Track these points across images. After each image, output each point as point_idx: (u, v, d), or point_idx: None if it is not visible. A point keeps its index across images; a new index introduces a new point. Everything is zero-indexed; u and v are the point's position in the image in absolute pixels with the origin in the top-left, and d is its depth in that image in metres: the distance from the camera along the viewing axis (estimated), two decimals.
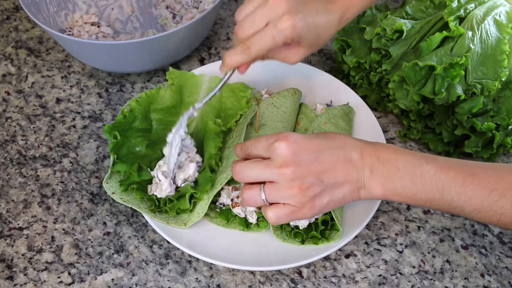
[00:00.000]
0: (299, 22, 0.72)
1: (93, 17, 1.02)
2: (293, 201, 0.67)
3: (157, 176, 0.78)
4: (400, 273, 0.77)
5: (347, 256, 0.79)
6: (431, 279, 0.77)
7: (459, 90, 0.82)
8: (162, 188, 0.77)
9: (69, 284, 0.76)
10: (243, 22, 0.74)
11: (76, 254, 0.79)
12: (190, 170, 0.78)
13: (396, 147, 0.69)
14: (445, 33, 0.83)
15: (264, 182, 0.68)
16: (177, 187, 0.78)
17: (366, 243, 0.80)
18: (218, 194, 0.79)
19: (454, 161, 0.67)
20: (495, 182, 0.65)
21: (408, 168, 0.67)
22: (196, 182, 0.79)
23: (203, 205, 0.77)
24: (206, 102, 0.79)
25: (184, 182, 0.78)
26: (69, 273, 0.77)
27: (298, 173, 0.66)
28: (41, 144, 0.91)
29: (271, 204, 0.69)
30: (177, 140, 0.78)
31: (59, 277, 0.76)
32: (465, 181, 0.65)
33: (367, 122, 0.89)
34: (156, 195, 0.78)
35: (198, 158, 0.80)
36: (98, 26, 1.01)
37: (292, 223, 0.77)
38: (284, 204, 0.68)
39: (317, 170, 0.66)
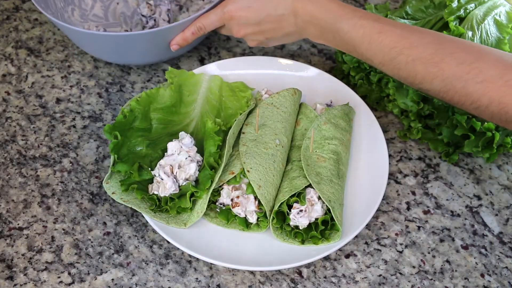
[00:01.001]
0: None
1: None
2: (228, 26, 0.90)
3: (159, 175, 0.78)
4: (400, 273, 0.77)
5: (347, 256, 0.79)
6: (431, 279, 0.77)
7: None
8: (165, 186, 0.77)
9: (69, 284, 0.76)
10: None
11: (76, 254, 0.79)
12: (191, 170, 0.78)
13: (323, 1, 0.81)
14: (445, 33, 0.83)
15: None
16: (178, 186, 0.78)
17: (366, 243, 0.80)
18: (218, 194, 0.79)
19: (369, 17, 0.78)
20: (397, 41, 0.74)
21: (328, 27, 0.80)
22: (197, 181, 0.79)
23: (201, 204, 0.77)
24: None
25: (185, 181, 0.78)
26: (69, 273, 0.77)
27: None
28: (41, 144, 0.91)
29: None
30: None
31: (59, 277, 0.76)
32: (371, 38, 0.76)
33: (367, 122, 0.89)
34: (157, 194, 0.78)
35: (198, 157, 0.80)
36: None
37: (292, 223, 0.77)
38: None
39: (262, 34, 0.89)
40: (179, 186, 0.78)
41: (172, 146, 0.80)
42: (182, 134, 0.81)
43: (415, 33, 0.75)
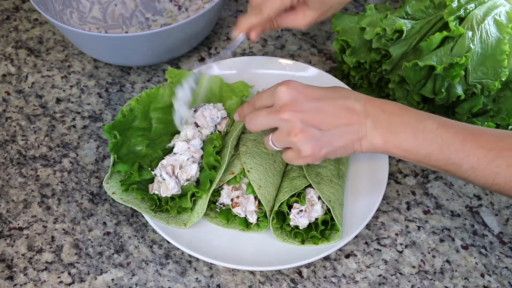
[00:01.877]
0: None
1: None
2: (294, 147, 0.69)
3: (160, 175, 0.78)
4: (400, 273, 0.77)
5: (347, 256, 0.79)
6: (431, 279, 0.77)
7: (459, 90, 0.82)
8: (167, 187, 0.77)
9: (69, 284, 0.76)
10: None
11: (76, 254, 0.79)
12: (193, 171, 0.78)
13: (401, 104, 0.71)
14: (445, 33, 0.83)
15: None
16: (180, 186, 0.78)
17: (366, 243, 0.80)
18: (218, 194, 0.79)
19: (456, 122, 0.70)
20: (493, 142, 0.66)
21: (411, 122, 0.68)
22: (197, 181, 0.79)
23: (202, 204, 0.77)
24: (216, 60, 0.85)
25: (186, 182, 0.78)
26: (69, 273, 0.77)
27: (296, 117, 0.68)
28: (41, 144, 0.91)
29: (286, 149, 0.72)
30: (186, 90, 0.82)
31: (59, 277, 0.76)
32: (464, 138, 0.67)
33: None
34: (157, 194, 0.78)
35: (201, 159, 0.81)
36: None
37: (292, 223, 0.77)
38: (291, 148, 0.71)
39: (316, 118, 0.68)
40: (180, 186, 0.78)
41: (180, 146, 0.80)
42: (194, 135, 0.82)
43: (510, 135, 0.68)
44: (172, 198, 0.78)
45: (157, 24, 1.03)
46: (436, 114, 0.85)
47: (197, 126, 0.83)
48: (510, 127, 0.83)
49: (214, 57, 0.87)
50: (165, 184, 0.77)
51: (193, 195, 0.77)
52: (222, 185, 0.79)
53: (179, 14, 1.04)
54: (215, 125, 0.85)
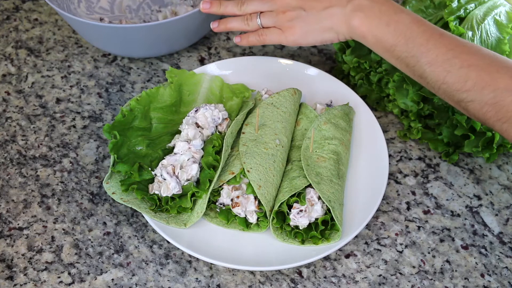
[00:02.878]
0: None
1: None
2: (278, 24, 0.84)
3: (161, 175, 0.78)
4: (400, 273, 0.77)
5: (347, 256, 0.79)
6: (431, 279, 0.77)
7: None
8: (168, 187, 0.77)
9: (69, 284, 0.76)
10: None
11: (76, 254, 0.79)
12: (193, 171, 0.78)
13: None
14: None
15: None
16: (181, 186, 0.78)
17: (366, 243, 0.80)
18: (218, 194, 0.79)
19: (431, 24, 0.76)
20: (456, 45, 0.72)
21: (389, 11, 0.77)
22: (198, 181, 0.79)
23: (201, 204, 0.77)
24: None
25: (186, 182, 0.78)
26: (69, 273, 0.77)
27: (287, 1, 0.83)
28: (41, 144, 0.91)
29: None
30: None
31: (59, 277, 0.76)
32: (431, 36, 0.74)
33: (367, 122, 0.89)
34: (158, 194, 0.78)
35: (201, 159, 0.81)
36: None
37: (292, 223, 0.77)
38: (274, 27, 0.85)
39: (302, 1, 0.82)
40: (181, 186, 0.78)
41: (180, 146, 0.80)
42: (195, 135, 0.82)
43: (473, 45, 0.74)
44: (172, 198, 0.78)
45: (164, 17, 1.05)
46: (436, 114, 0.86)
47: (198, 126, 0.83)
48: None
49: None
50: (166, 184, 0.77)
51: (193, 195, 0.77)
52: (222, 185, 0.79)
53: (185, 6, 1.05)
54: (216, 126, 0.85)
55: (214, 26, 0.90)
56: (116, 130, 0.81)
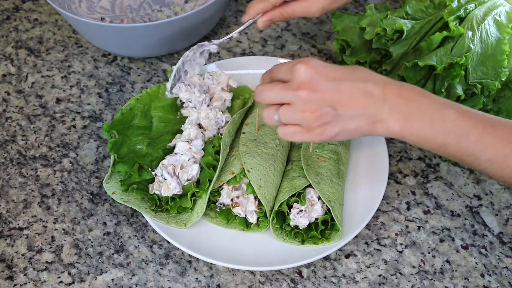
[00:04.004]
0: None
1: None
2: (304, 124, 0.68)
3: (162, 175, 0.78)
4: (400, 273, 0.77)
5: (347, 256, 0.79)
6: (431, 279, 0.77)
7: (459, 90, 0.82)
8: (169, 187, 0.77)
9: (69, 284, 0.76)
10: None
11: (76, 254, 0.79)
12: (194, 171, 0.78)
13: (420, 89, 0.69)
14: (445, 33, 0.83)
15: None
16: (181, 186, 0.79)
17: (366, 243, 0.80)
18: (218, 194, 0.79)
19: (476, 111, 0.68)
20: None
21: (430, 109, 0.66)
22: (198, 181, 0.80)
23: (201, 204, 0.77)
24: (223, 41, 0.87)
25: (186, 182, 0.78)
26: (69, 273, 0.77)
27: (313, 97, 0.66)
28: (41, 144, 0.91)
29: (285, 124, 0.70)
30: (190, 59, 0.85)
31: (59, 277, 0.76)
32: (484, 130, 0.65)
33: None
34: (158, 194, 0.78)
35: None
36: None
37: (292, 223, 0.77)
38: (294, 125, 0.69)
39: (333, 98, 0.66)
40: (181, 186, 0.78)
41: (181, 146, 0.80)
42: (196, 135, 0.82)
43: None
44: (173, 198, 0.78)
45: (163, 16, 1.05)
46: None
47: (201, 127, 0.84)
48: None
49: (218, 39, 0.93)
50: (166, 184, 0.77)
51: (193, 195, 0.77)
52: (222, 185, 0.79)
53: (185, 7, 1.05)
54: (218, 128, 0.85)
55: None
56: (116, 129, 0.81)
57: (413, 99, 0.67)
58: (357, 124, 0.68)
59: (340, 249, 0.79)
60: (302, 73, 0.67)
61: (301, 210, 0.76)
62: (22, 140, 0.91)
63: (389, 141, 0.91)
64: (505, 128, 0.66)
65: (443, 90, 0.81)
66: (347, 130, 0.68)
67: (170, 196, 0.77)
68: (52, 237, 0.80)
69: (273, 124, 0.71)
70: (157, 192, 0.78)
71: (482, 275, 0.77)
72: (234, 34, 0.87)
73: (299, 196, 0.77)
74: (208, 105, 0.86)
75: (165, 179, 0.78)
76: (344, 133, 0.69)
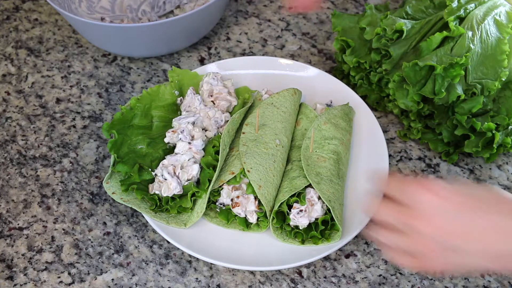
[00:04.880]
0: None
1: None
2: (421, 257, 0.60)
3: (162, 175, 0.78)
4: (400, 273, 0.77)
5: (347, 256, 0.79)
6: (431, 279, 0.77)
7: (459, 90, 0.82)
8: (169, 187, 0.77)
9: (69, 284, 0.76)
10: None
11: (76, 254, 0.79)
12: (194, 171, 0.78)
13: None
14: (445, 33, 0.83)
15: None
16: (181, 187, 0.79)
17: (366, 243, 0.80)
18: (218, 194, 0.79)
19: None
20: None
21: None
22: (198, 181, 0.80)
23: (201, 204, 0.77)
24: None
25: (186, 182, 0.78)
26: (69, 273, 0.77)
27: (436, 234, 0.58)
28: (41, 144, 0.91)
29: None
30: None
31: (59, 277, 0.76)
32: None
33: (367, 122, 0.89)
34: (158, 194, 0.78)
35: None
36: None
37: (292, 223, 0.77)
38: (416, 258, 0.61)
39: (460, 235, 0.58)
40: (182, 186, 0.78)
41: (181, 146, 0.80)
42: (197, 135, 0.82)
43: None
44: (173, 198, 0.78)
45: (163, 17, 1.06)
46: (436, 114, 0.86)
47: (203, 129, 0.84)
48: (510, 127, 0.83)
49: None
50: (167, 184, 0.77)
51: (193, 195, 0.77)
52: (222, 185, 0.79)
53: (185, 6, 1.06)
54: (218, 128, 0.85)
55: None
56: (115, 128, 0.81)
57: None
58: (485, 264, 0.60)
59: (340, 249, 0.79)
60: (425, 201, 0.59)
61: (301, 210, 0.76)
62: (22, 140, 0.91)
63: (389, 141, 0.91)
64: None
65: (443, 90, 0.81)
66: (470, 271, 0.61)
67: (170, 196, 0.77)
68: (52, 237, 0.80)
69: (377, 242, 0.64)
70: (157, 192, 0.78)
71: (482, 275, 0.77)
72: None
73: (299, 196, 0.77)
74: (212, 102, 0.87)
75: (166, 179, 0.78)
76: (466, 273, 0.63)
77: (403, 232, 0.60)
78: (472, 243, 0.58)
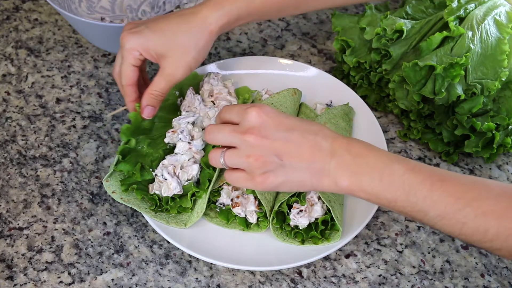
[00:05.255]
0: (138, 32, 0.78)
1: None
2: (247, 170, 0.67)
3: (162, 175, 0.78)
4: (400, 273, 0.77)
5: (347, 256, 0.79)
6: (431, 279, 0.77)
7: (459, 90, 0.82)
8: (169, 187, 0.77)
9: (69, 284, 0.76)
10: None
11: (76, 254, 0.79)
12: (194, 171, 0.78)
13: (370, 144, 0.68)
14: (445, 33, 0.83)
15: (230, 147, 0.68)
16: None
17: (366, 243, 0.80)
18: (218, 194, 0.79)
19: (425, 166, 0.66)
20: (463, 191, 0.63)
21: (378, 165, 0.65)
22: (198, 181, 0.80)
23: (201, 204, 0.77)
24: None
25: (187, 181, 0.78)
26: (69, 273, 0.77)
27: (260, 143, 0.65)
28: (41, 144, 0.91)
29: (232, 168, 0.69)
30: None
31: (59, 277, 0.76)
32: (433, 185, 0.63)
33: (367, 122, 0.89)
34: (158, 194, 0.78)
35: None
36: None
37: (292, 223, 0.77)
38: (240, 169, 0.68)
39: (280, 147, 0.65)
40: (182, 186, 0.78)
41: (181, 146, 0.80)
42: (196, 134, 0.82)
43: (481, 183, 0.64)
44: (173, 198, 0.78)
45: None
46: (436, 114, 0.86)
47: (203, 129, 0.84)
48: (510, 127, 0.83)
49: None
50: (167, 184, 0.77)
51: (193, 195, 0.77)
52: (222, 185, 0.79)
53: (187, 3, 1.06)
54: None
55: None
56: (132, 132, 0.80)
57: (361, 154, 0.66)
58: (302, 176, 0.66)
59: (340, 249, 0.79)
60: (253, 118, 0.66)
61: (301, 210, 0.76)
62: (22, 140, 0.91)
63: (389, 141, 0.91)
64: (454, 182, 0.63)
65: (443, 90, 0.81)
66: (291, 181, 0.67)
67: (170, 196, 0.77)
68: (52, 237, 0.80)
69: (219, 167, 0.70)
70: (157, 192, 0.78)
71: (482, 275, 0.77)
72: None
73: (299, 196, 0.77)
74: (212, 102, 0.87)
75: (166, 179, 0.78)
76: (288, 184, 0.67)
77: (236, 148, 0.67)
78: (297, 161, 0.66)
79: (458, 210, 0.62)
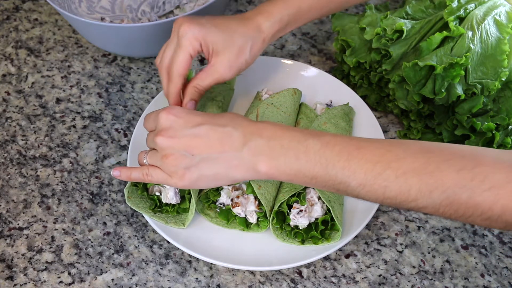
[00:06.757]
0: (197, 28, 0.78)
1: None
2: (165, 169, 0.69)
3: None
4: (400, 273, 0.77)
5: (347, 256, 0.79)
6: (431, 279, 0.77)
7: (459, 90, 0.82)
8: (167, 196, 0.77)
9: (69, 284, 0.76)
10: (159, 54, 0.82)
11: (76, 254, 0.79)
12: None
13: (284, 125, 0.68)
14: (445, 33, 0.83)
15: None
16: (180, 196, 0.78)
17: (366, 243, 0.80)
18: (218, 194, 0.79)
19: (341, 137, 0.65)
20: (380, 154, 0.62)
21: (293, 144, 0.64)
22: None
23: (192, 200, 0.77)
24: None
25: None
26: (69, 273, 0.77)
27: (169, 143, 0.67)
28: (41, 144, 0.91)
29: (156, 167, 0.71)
30: None
31: (59, 277, 0.76)
32: (350, 154, 0.63)
33: (367, 122, 0.89)
34: (158, 196, 0.78)
35: None
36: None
37: (292, 223, 0.77)
38: (161, 169, 0.70)
39: (188, 143, 0.66)
40: (179, 195, 0.78)
41: None
42: None
43: (398, 144, 0.63)
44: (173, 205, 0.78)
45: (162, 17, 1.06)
46: (436, 114, 0.86)
47: None
48: (510, 127, 0.83)
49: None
50: (165, 191, 0.77)
51: (189, 193, 0.78)
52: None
53: (186, 7, 1.06)
54: None
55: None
56: None
57: (275, 137, 0.65)
58: (216, 169, 0.67)
59: (340, 249, 0.79)
60: (162, 120, 0.68)
61: (301, 210, 0.76)
62: (22, 140, 0.91)
63: None
64: (371, 147, 0.63)
65: (443, 90, 0.81)
66: (207, 175, 0.67)
67: (168, 203, 0.78)
68: (52, 237, 0.80)
69: (143, 164, 0.73)
70: (157, 193, 0.78)
71: (482, 275, 0.77)
72: None
73: (299, 196, 0.77)
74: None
75: (165, 187, 0.78)
76: (205, 179, 0.68)
77: (155, 150, 0.70)
78: (207, 153, 0.66)
79: (378, 174, 0.61)
